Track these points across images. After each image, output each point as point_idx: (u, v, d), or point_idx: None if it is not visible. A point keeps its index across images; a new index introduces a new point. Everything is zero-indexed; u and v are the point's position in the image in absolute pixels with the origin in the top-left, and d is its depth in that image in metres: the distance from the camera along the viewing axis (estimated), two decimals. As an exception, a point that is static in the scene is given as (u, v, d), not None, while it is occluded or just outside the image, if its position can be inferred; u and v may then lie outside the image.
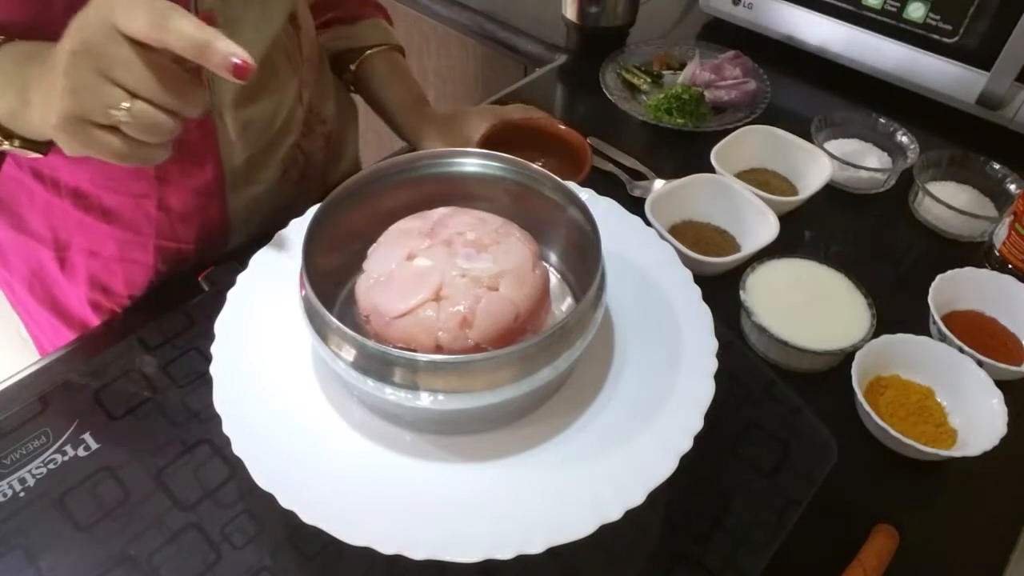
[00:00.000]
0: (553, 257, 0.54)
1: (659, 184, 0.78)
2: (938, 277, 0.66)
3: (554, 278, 0.53)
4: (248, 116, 0.64)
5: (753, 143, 0.80)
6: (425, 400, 0.40)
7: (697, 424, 0.43)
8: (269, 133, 0.68)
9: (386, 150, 0.81)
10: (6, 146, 0.47)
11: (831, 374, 0.61)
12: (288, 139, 0.71)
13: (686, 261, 0.53)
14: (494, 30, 1.11)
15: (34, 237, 0.67)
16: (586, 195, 0.56)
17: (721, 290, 0.57)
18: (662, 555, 0.48)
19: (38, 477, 0.49)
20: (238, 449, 0.42)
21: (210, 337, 0.47)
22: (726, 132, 0.79)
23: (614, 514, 0.40)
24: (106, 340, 0.61)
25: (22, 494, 0.49)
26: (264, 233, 0.55)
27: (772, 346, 0.61)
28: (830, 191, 0.78)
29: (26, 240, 0.67)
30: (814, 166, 0.77)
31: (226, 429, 0.42)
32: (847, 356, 0.59)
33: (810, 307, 0.64)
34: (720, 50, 0.95)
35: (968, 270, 0.67)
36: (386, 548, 0.38)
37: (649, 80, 0.93)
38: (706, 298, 0.50)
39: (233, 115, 0.63)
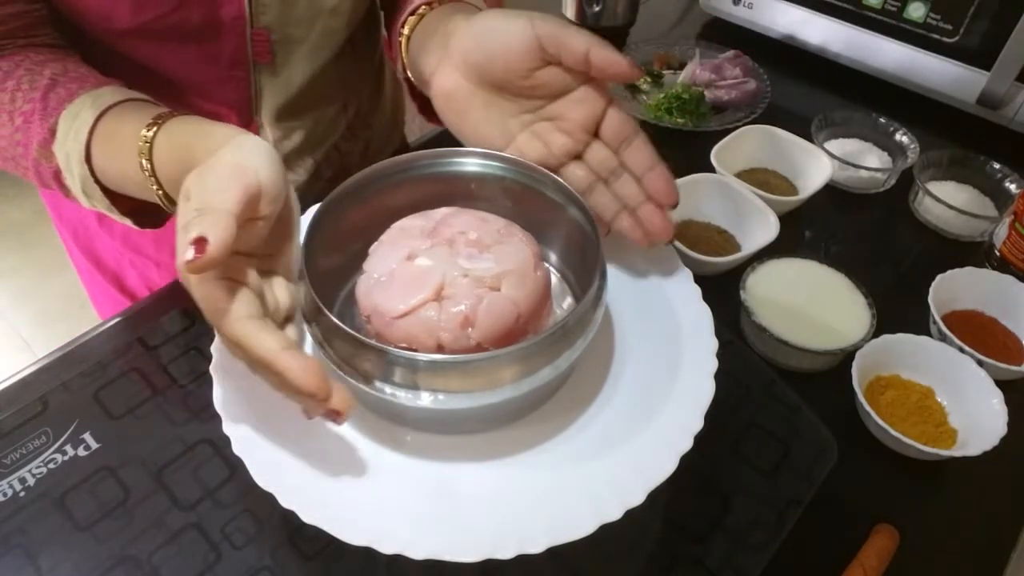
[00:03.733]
0: (553, 257, 0.54)
1: (659, 184, 0.78)
2: (938, 277, 0.66)
3: (554, 278, 0.53)
4: (289, 127, 0.66)
5: (753, 143, 0.80)
6: (425, 400, 0.40)
7: (697, 424, 0.43)
8: (309, 140, 0.70)
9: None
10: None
11: (831, 374, 0.61)
12: (325, 144, 0.72)
13: (686, 261, 0.53)
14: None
15: None
16: (586, 195, 0.56)
17: (721, 290, 0.57)
18: (662, 555, 0.48)
19: (38, 477, 0.49)
20: (238, 449, 0.42)
21: (210, 337, 0.47)
22: (726, 132, 0.79)
23: (614, 514, 0.40)
24: (107, 340, 0.61)
25: (22, 494, 0.49)
26: None
27: (772, 346, 0.61)
28: (830, 191, 0.78)
29: None
30: (814, 166, 0.77)
31: (226, 429, 0.42)
32: (847, 356, 0.59)
33: (810, 307, 0.64)
34: (720, 50, 0.95)
35: (968, 270, 0.67)
36: (386, 548, 0.38)
37: (649, 80, 0.93)
38: (706, 298, 0.50)
39: (274, 125, 0.66)
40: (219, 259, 0.35)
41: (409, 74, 0.58)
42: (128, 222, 0.53)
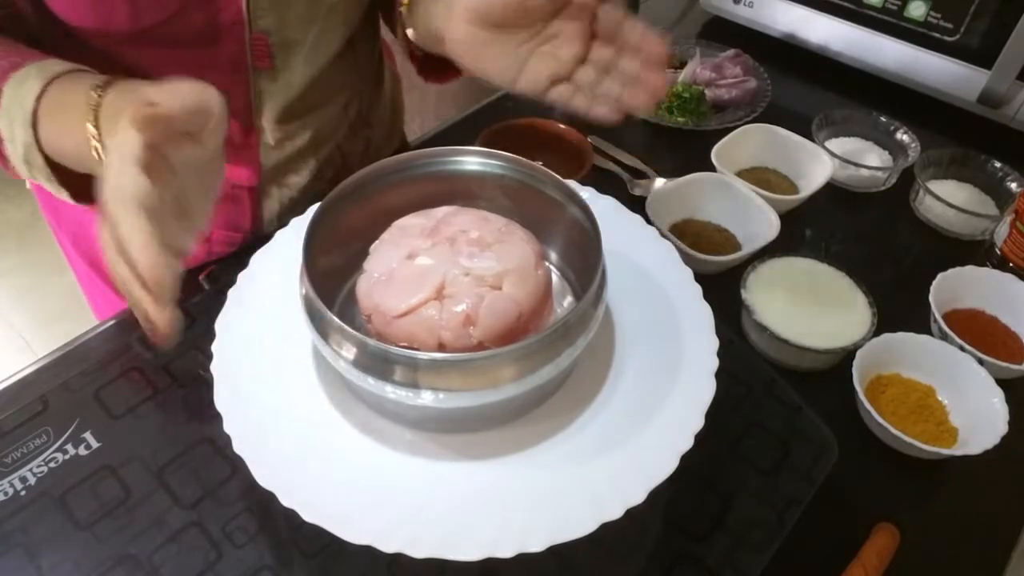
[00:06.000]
0: (554, 256, 0.54)
1: (660, 183, 0.78)
2: (939, 275, 0.66)
3: (555, 277, 0.53)
4: (291, 129, 0.67)
5: (754, 142, 0.80)
6: (426, 398, 0.40)
7: (698, 423, 0.43)
8: (312, 141, 0.70)
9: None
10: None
11: (832, 373, 0.61)
12: (328, 145, 0.72)
13: (687, 259, 0.53)
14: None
15: None
16: (587, 193, 0.56)
17: (722, 289, 0.57)
18: (662, 554, 0.48)
19: (39, 476, 0.49)
20: (239, 448, 0.42)
21: (210, 336, 0.47)
22: (727, 131, 0.79)
23: (615, 513, 0.40)
24: (107, 339, 0.61)
25: (23, 493, 0.49)
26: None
27: (773, 345, 0.61)
28: (831, 190, 0.78)
29: None
30: (815, 164, 0.77)
31: (227, 428, 0.42)
32: (848, 355, 0.59)
33: (811, 306, 0.64)
34: (721, 48, 0.95)
35: (969, 269, 0.67)
36: (387, 547, 0.38)
37: (650, 79, 0.93)
38: (707, 296, 0.50)
39: (275, 128, 0.66)
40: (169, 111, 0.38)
41: (411, 38, 0.62)
42: (65, 195, 0.53)
